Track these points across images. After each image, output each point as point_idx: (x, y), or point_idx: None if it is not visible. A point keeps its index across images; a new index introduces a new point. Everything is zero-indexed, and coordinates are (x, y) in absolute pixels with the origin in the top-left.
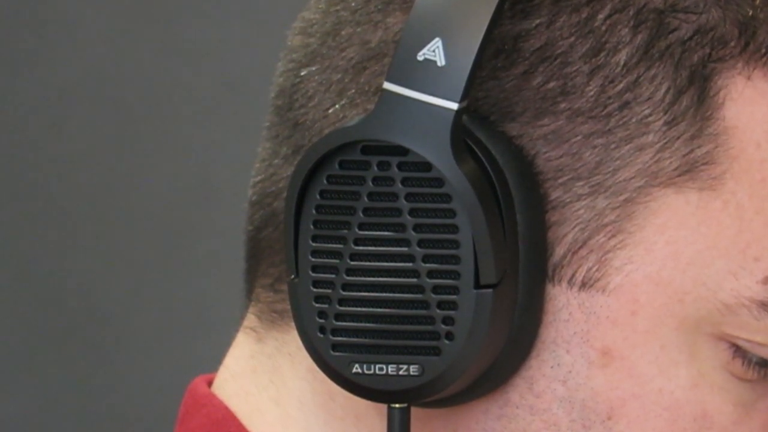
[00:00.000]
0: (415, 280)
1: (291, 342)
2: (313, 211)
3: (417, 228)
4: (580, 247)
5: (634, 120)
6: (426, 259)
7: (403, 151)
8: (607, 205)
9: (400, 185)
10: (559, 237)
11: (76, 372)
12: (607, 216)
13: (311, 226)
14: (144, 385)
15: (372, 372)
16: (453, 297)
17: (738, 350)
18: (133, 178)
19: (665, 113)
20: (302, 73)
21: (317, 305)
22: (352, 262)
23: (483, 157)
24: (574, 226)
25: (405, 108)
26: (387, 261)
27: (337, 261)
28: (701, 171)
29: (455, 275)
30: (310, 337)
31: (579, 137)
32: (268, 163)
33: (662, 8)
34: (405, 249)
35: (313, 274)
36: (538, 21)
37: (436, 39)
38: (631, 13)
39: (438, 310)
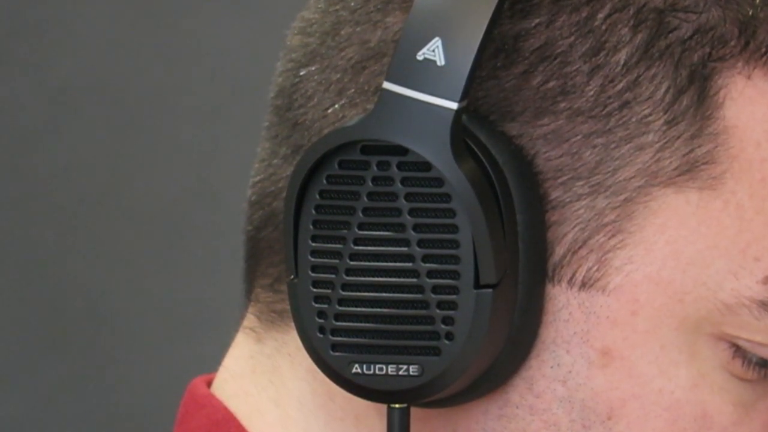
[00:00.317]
0: (414, 280)
1: (290, 342)
2: (313, 211)
3: (417, 228)
4: (580, 247)
5: (634, 119)
6: (426, 259)
7: (402, 150)
8: (607, 205)
9: (399, 185)
10: (559, 237)
11: (76, 372)
12: (607, 216)
13: (311, 226)
14: (143, 385)
15: (372, 372)
16: (453, 297)
17: (738, 350)
18: (132, 178)
19: (665, 113)
20: (301, 73)
21: (317, 305)
22: (352, 262)
23: (483, 157)
24: (574, 226)
25: (404, 108)
26: (387, 261)
27: (337, 261)
28: (701, 170)
29: (455, 275)
30: (309, 338)
31: (579, 137)
32: (268, 163)
33: (662, 7)
34: (405, 249)
35: (313, 274)
36: (537, 20)
37: (436, 38)
38: (631, 12)
39: (438, 310)
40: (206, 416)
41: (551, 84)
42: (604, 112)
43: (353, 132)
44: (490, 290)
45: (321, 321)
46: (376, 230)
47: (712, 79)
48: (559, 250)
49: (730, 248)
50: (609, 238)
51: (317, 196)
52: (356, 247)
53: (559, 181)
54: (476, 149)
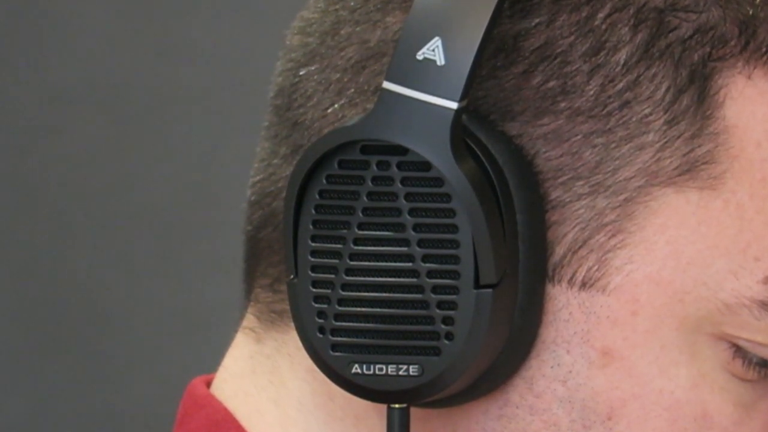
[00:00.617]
0: (414, 280)
1: (290, 342)
2: (313, 211)
3: (416, 228)
4: (580, 247)
5: (634, 119)
6: (426, 258)
7: (402, 150)
8: (607, 205)
9: (399, 185)
10: (559, 237)
11: (76, 372)
12: (608, 215)
13: (310, 226)
14: (143, 386)
15: (371, 372)
16: (453, 297)
17: (738, 350)
18: (132, 177)
19: (665, 112)
20: (301, 73)
21: (316, 305)
22: (352, 262)
23: (483, 157)
24: (574, 226)
25: (404, 107)
26: (386, 261)
27: (337, 261)
28: (701, 170)
29: (455, 275)
30: (309, 338)
31: (579, 136)
32: (267, 162)
33: (662, 7)
34: (404, 249)
35: (313, 274)
36: (537, 20)
37: (436, 38)
38: (631, 11)
39: (438, 310)
40: (206, 416)
41: (551, 84)
42: (604, 112)
43: (353, 132)
44: (490, 290)
45: (321, 321)
46: (375, 230)
47: (712, 78)
48: (560, 250)
49: (730, 248)
50: (609, 238)
51: (317, 196)
52: (356, 247)
53: (559, 180)
54: (476, 149)
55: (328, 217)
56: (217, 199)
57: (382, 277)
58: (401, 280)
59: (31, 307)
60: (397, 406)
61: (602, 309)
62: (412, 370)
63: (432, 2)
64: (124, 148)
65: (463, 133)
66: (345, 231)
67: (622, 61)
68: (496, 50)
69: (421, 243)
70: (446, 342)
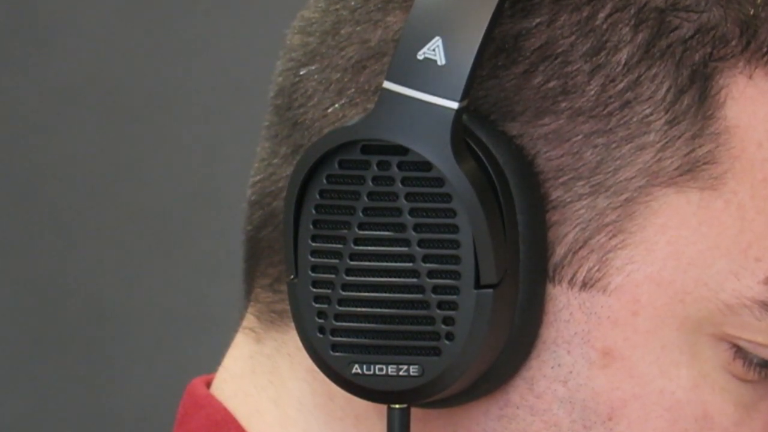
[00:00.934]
0: (415, 280)
1: (290, 342)
2: (313, 211)
3: (417, 228)
4: (581, 247)
5: (635, 119)
6: (426, 259)
7: (403, 150)
8: (608, 205)
9: (400, 185)
10: (560, 237)
11: (76, 372)
12: (608, 216)
13: (311, 226)
14: (143, 386)
15: (372, 372)
16: (453, 297)
17: (739, 351)
18: (132, 178)
19: (666, 112)
20: (301, 73)
21: (317, 305)
22: (352, 262)
23: (483, 157)
24: (575, 226)
25: (405, 107)
26: (387, 261)
27: (337, 261)
28: (702, 170)
29: (455, 275)
30: (309, 338)
31: (580, 137)
32: (268, 162)
33: (663, 7)
34: (405, 249)
35: (313, 274)
36: (538, 20)
37: (436, 38)
38: (632, 11)
39: (438, 311)
40: (206, 417)
41: (552, 83)
42: (605, 112)
43: (353, 131)
44: (490, 290)
45: (321, 321)
46: (376, 230)
47: (713, 78)
48: (560, 250)
49: (731, 248)
50: (610, 238)
51: (317, 196)
52: (356, 247)
53: (560, 181)
54: (477, 149)
55: (329, 217)
56: (217, 199)
57: (382, 277)
58: (401, 280)
59: (31, 307)
60: (397, 406)
61: (603, 309)
62: (413, 370)
63: (433, 2)
64: (124, 148)
65: (463, 133)
66: (345, 231)
67: (623, 61)
68: (497, 50)
69: (421, 243)
70: (447, 342)
